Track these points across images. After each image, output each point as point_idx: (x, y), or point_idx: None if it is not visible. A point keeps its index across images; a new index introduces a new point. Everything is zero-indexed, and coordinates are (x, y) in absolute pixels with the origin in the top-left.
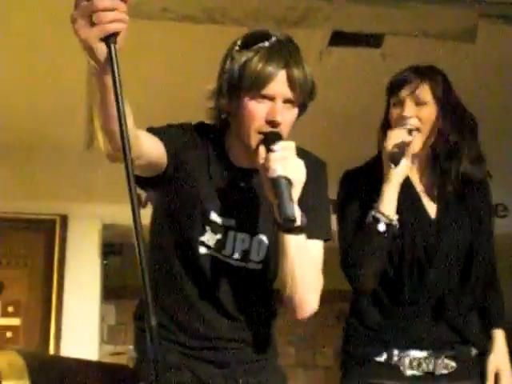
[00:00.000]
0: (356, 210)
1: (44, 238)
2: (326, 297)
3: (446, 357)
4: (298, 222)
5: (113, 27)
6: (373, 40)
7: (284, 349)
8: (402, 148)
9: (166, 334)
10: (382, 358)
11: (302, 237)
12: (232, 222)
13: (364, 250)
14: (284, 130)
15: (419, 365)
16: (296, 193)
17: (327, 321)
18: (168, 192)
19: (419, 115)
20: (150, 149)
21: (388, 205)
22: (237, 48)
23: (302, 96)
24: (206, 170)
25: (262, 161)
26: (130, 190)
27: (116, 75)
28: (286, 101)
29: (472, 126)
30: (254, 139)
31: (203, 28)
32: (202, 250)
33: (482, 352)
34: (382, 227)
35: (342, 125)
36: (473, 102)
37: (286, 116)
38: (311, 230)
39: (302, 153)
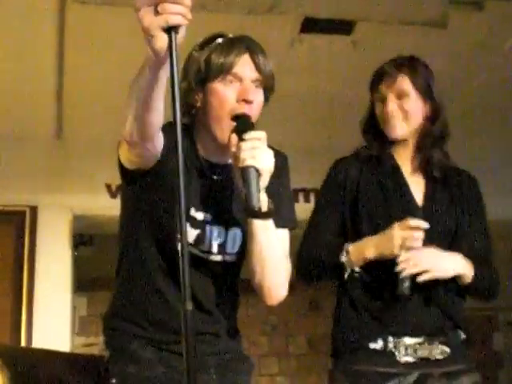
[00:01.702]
0: (334, 213)
1: (14, 230)
2: (299, 286)
3: (440, 343)
4: (264, 209)
5: (176, 19)
6: (344, 27)
7: (257, 338)
8: (409, 282)
9: (139, 332)
10: (378, 345)
11: (269, 222)
12: (208, 216)
13: (324, 274)
14: (255, 110)
15: (415, 351)
16: (264, 182)
17: (300, 309)
18: (150, 188)
19: (403, 107)
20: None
21: (360, 259)
22: (196, 49)
23: (267, 79)
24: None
25: (233, 149)
26: (180, 201)
27: (174, 65)
28: (254, 81)
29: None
30: (227, 123)
31: None
32: (180, 246)
33: (468, 337)
34: (345, 276)
35: (311, 111)
36: (444, 88)
37: (256, 96)
38: (277, 220)
39: None
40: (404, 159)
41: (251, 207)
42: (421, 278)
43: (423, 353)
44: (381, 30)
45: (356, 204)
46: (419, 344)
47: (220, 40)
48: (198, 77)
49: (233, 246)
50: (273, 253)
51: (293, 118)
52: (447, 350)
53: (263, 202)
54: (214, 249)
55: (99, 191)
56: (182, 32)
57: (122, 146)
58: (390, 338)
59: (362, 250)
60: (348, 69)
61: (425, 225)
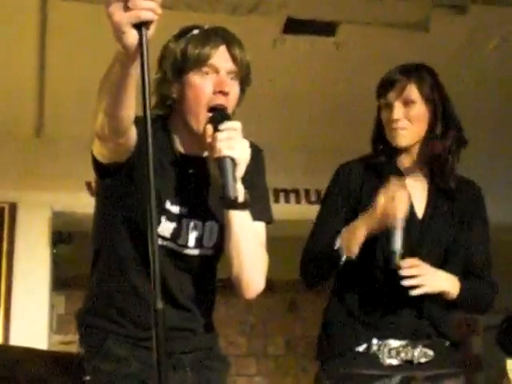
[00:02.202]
0: (337, 217)
1: None
2: (278, 286)
3: (423, 346)
4: (241, 199)
5: (147, 15)
6: (327, 28)
7: (235, 338)
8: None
9: (115, 328)
10: (362, 347)
11: (246, 213)
12: (184, 209)
13: (321, 268)
14: (231, 101)
15: (398, 353)
16: (240, 172)
17: (278, 310)
18: (124, 182)
19: (408, 115)
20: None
21: (353, 244)
22: (172, 40)
23: (243, 70)
24: (158, 160)
25: (209, 139)
26: (150, 194)
27: (145, 62)
28: (230, 73)
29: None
30: (203, 115)
31: None
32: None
33: (454, 343)
34: (341, 262)
35: (292, 111)
36: None
37: (232, 88)
38: (253, 213)
39: None
40: (409, 167)
41: (228, 197)
42: (414, 292)
43: (406, 355)
44: (363, 32)
45: (357, 210)
46: (402, 347)
47: (196, 31)
48: (174, 68)
49: (210, 240)
50: (249, 245)
51: (273, 118)
52: (431, 353)
53: (240, 192)
54: (191, 242)
55: (79, 189)
56: (151, 28)
57: (94, 141)
58: (374, 341)
59: (352, 230)
60: (330, 70)
61: (406, 194)
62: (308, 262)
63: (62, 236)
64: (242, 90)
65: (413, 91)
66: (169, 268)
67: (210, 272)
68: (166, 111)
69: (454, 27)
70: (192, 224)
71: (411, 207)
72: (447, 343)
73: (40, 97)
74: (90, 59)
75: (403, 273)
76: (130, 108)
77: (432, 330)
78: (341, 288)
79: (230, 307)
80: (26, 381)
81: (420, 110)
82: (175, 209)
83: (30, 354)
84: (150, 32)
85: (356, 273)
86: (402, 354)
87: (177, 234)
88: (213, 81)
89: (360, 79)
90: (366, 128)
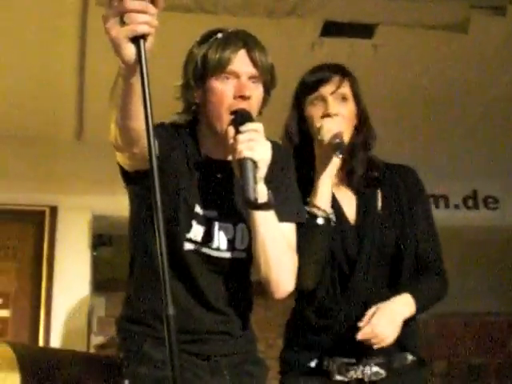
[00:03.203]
0: None
1: (34, 230)
2: None
3: (376, 364)
4: (263, 199)
5: (142, 29)
6: (365, 30)
7: (274, 341)
8: (341, 137)
9: (152, 333)
10: (313, 363)
11: (269, 214)
12: (214, 213)
13: (302, 247)
14: (253, 105)
15: (347, 371)
16: (261, 173)
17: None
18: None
19: (341, 112)
20: None
21: (324, 198)
22: (195, 45)
23: (265, 74)
24: (186, 165)
25: (231, 141)
26: (156, 201)
27: (144, 75)
28: (251, 77)
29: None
30: (226, 119)
31: (193, 17)
32: (188, 246)
33: (419, 359)
34: (320, 221)
35: None
36: (465, 93)
37: (254, 91)
38: (282, 214)
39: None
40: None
41: (248, 198)
42: (375, 347)
43: (356, 373)
44: (402, 34)
45: None
46: (352, 364)
47: (219, 35)
48: (196, 74)
49: (241, 242)
50: (276, 245)
51: None
52: (382, 372)
53: (261, 193)
54: (223, 245)
55: (119, 192)
56: (150, 39)
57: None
58: (326, 357)
59: (314, 190)
60: (369, 72)
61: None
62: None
63: (102, 239)
64: (267, 92)
65: (347, 88)
66: (202, 272)
67: (243, 275)
68: (192, 116)
69: (493, 28)
70: (223, 227)
71: (343, 215)
72: (409, 358)
73: (80, 100)
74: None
75: (358, 337)
76: (139, 118)
77: (391, 345)
78: (299, 303)
79: (268, 310)
80: (67, 383)
81: (352, 107)
82: (205, 212)
83: (70, 357)
84: (149, 44)
85: (303, 293)
86: (352, 372)
87: (208, 238)
88: (234, 85)
89: (399, 81)
90: (403, 130)
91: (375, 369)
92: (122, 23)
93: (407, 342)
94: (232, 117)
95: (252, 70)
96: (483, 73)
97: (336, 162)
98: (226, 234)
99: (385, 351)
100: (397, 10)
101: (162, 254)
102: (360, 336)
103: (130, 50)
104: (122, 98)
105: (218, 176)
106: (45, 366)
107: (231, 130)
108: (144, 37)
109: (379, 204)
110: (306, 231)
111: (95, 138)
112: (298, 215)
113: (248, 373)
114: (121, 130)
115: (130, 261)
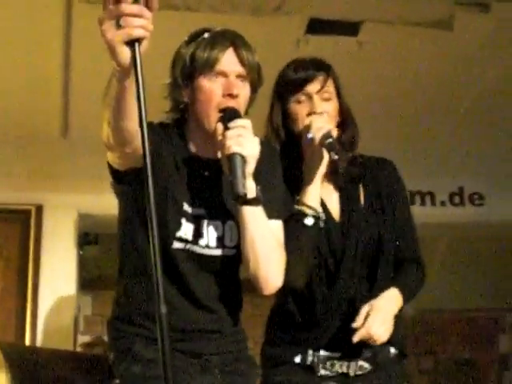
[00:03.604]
0: None
1: (19, 229)
2: None
3: (361, 359)
4: (252, 195)
5: (138, 33)
6: (350, 28)
7: (262, 339)
8: (331, 136)
9: (142, 332)
10: (298, 358)
11: (258, 209)
12: (202, 211)
13: (291, 245)
14: (241, 103)
15: (332, 366)
16: (250, 168)
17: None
18: (140, 186)
19: (326, 110)
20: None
21: (313, 197)
22: (183, 45)
23: (252, 73)
24: (174, 164)
25: (219, 137)
26: (149, 202)
27: (139, 78)
28: (238, 76)
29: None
30: (214, 117)
31: (178, 15)
32: (177, 244)
33: (401, 352)
34: (309, 221)
35: None
36: (450, 90)
37: (242, 90)
38: (270, 210)
39: None
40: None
41: (237, 193)
42: (375, 343)
43: (341, 368)
44: (387, 31)
45: None
46: (337, 359)
47: (206, 35)
48: (184, 73)
49: (231, 240)
50: (264, 241)
51: None
52: (367, 366)
53: (250, 188)
54: (213, 242)
55: (105, 190)
56: (144, 43)
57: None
58: (310, 352)
59: (304, 189)
60: (354, 70)
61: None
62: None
63: (88, 237)
64: (254, 91)
65: (331, 87)
66: (192, 270)
67: (233, 273)
68: (180, 115)
69: (478, 25)
70: (211, 224)
71: (327, 212)
72: (392, 351)
73: (65, 98)
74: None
75: (355, 339)
76: (132, 119)
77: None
78: (281, 297)
79: (255, 307)
80: (52, 382)
81: (336, 105)
82: (193, 210)
83: (57, 356)
84: (143, 48)
85: (288, 302)
86: (337, 366)
87: (197, 235)
88: (222, 84)
89: (384, 78)
90: (389, 127)
91: (360, 363)
92: (118, 26)
93: (391, 335)
94: (220, 114)
95: (240, 69)
96: (468, 70)
97: (326, 161)
98: (215, 231)
99: (369, 345)
100: (382, 8)
101: (154, 254)
102: (356, 338)
103: (125, 53)
104: (115, 99)
105: (206, 174)
106: (31, 364)
107: (220, 127)
108: (139, 40)
109: (361, 199)
110: (296, 230)
111: (81, 135)
112: (285, 212)
113: (239, 371)
114: (113, 131)
115: (119, 260)
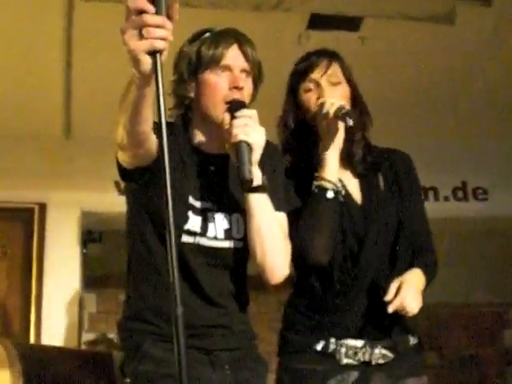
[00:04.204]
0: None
1: (23, 227)
2: None
3: (383, 347)
4: (258, 182)
5: (160, 44)
6: (351, 23)
7: (267, 335)
8: (344, 107)
9: (152, 329)
10: (319, 346)
11: (265, 198)
12: (209, 204)
13: (314, 221)
14: (246, 96)
15: (355, 354)
16: (256, 156)
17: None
18: (150, 184)
19: (335, 96)
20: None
21: (332, 172)
22: (186, 44)
23: (255, 68)
24: (180, 160)
25: (226, 126)
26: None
27: (160, 87)
28: (243, 71)
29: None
30: (221, 108)
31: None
32: (185, 238)
33: (420, 342)
34: (330, 194)
35: None
36: (451, 84)
37: (246, 83)
38: (274, 204)
39: None
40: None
41: (244, 178)
42: (407, 315)
43: (363, 356)
44: (388, 26)
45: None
46: (360, 347)
47: (208, 34)
48: (190, 68)
49: (238, 231)
50: (271, 229)
51: None
52: (390, 354)
53: (256, 175)
54: (220, 234)
55: (108, 188)
56: (164, 53)
57: (118, 149)
58: (332, 340)
59: (322, 164)
60: (356, 65)
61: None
62: (301, 231)
63: (92, 235)
64: (255, 88)
65: (337, 72)
66: (201, 265)
67: (241, 268)
68: (185, 110)
69: (479, 19)
70: (219, 217)
71: (349, 196)
72: (412, 341)
73: (67, 97)
74: (116, 59)
75: (390, 310)
76: (147, 124)
77: (394, 326)
78: (299, 284)
79: (260, 304)
80: (57, 380)
81: (346, 90)
82: (198, 203)
83: (61, 354)
84: (163, 57)
85: (314, 270)
86: (360, 355)
87: (205, 227)
88: (227, 78)
89: (386, 73)
90: (390, 122)
91: (383, 351)
92: (140, 36)
93: (409, 323)
94: (227, 106)
95: (244, 64)
96: (470, 64)
97: (341, 135)
98: (223, 223)
99: (390, 333)
100: (383, 3)
101: (171, 256)
102: (391, 309)
103: (146, 63)
104: (133, 104)
105: (212, 169)
106: (35, 362)
107: (227, 117)
108: (160, 50)
109: (381, 185)
110: (317, 204)
111: (83, 134)
112: (289, 206)
113: (249, 368)
114: (129, 134)
115: (127, 258)
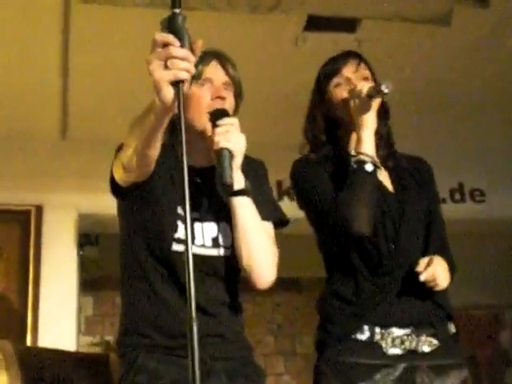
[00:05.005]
0: (322, 180)
1: (19, 229)
2: (305, 284)
3: (427, 335)
4: (240, 186)
5: (183, 75)
6: (348, 25)
7: (263, 337)
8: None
9: (147, 342)
10: (364, 336)
11: (248, 201)
12: (196, 214)
13: (354, 192)
14: (228, 107)
15: (402, 342)
16: (237, 162)
17: (306, 309)
18: (139, 198)
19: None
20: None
21: (369, 146)
22: None
23: (235, 84)
24: (169, 174)
25: (209, 134)
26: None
27: (182, 114)
28: (224, 83)
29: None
30: (205, 118)
31: None
32: (175, 247)
33: (457, 331)
34: (369, 167)
35: None
36: (448, 85)
37: (228, 95)
38: (259, 213)
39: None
40: None
41: (225, 182)
42: (436, 288)
43: (410, 345)
44: (385, 28)
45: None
46: (406, 335)
47: None
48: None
49: (225, 239)
50: (256, 232)
51: (297, 116)
52: (435, 342)
53: (238, 179)
54: (208, 242)
55: (104, 191)
56: (186, 84)
57: (116, 168)
58: (377, 329)
59: (358, 140)
60: None
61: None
62: (342, 205)
63: (88, 238)
64: (237, 105)
65: (365, 68)
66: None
67: (232, 276)
68: (171, 129)
69: (476, 21)
70: (206, 226)
71: (381, 183)
72: (452, 330)
73: (64, 99)
74: (113, 61)
75: (422, 278)
76: (156, 148)
77: (436, 312)
78: (336, 276)
79: (256, 306)
80: (54, 382)
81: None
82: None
83: (58, 356)
84: (185, 88)
85: (352, 260)
86: (406, 343)
87: (193, 236)
88: (209, 89)
89: (383, 75)
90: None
91: (429, 339)
92: (165, 67)
93: (450, 309)
94: (210, 116)
95: (224, 77)
96: (467, 65)
97: (374, 114)
98: (210, 232)
99: (432, 321)
100: (379, 4)
101: (189, 274)
102: (423, 277)
103: (169, 92)
104: (149, 129)
105: (198, 181)
106: (33, 365)
107: (209, 126)
108: (183, 81)
109: (410, 180)
110: (358, 177)
111: (80, 136)
112: (274, 215)
113: (245, 376)
114: (140, 156)
115: (120, 271)
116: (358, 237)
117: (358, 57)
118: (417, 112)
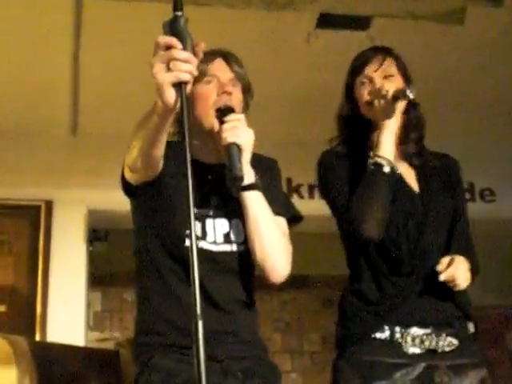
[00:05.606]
0: (345, 176)
1: (29, 224)
2: (313, 283)
3: (447, 334)
4: (251, 180)
5: (185, 77)
6: (360, 22)
7: (270, 335)
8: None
9: (162, 340)
10: (384, 335)
11: (260, 195)
12: (208, 211)
13: (367, 195)
14: (235, 102)
15: (422, 342)
16: (246, 157)
17: (313, 307)
18: (151, 196)
19: (387, 88)
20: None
21: (387, 150)
22: None
23: (242, 80)
24: (179, 172)
25: (216, 130)
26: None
27: (185, 115)
28: (230, 80)
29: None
30: (212, 115)
31: (189, 10)
32: (188, 242)
33: (476, 330)
34: (386, 169)
35: (327, 106)
36: (460, 84)
37: (234, 90)
38: (272, 209)
39: (254, 156)
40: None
41: (235, 176)
42: (456, 288)
43: (430, 344)
44: (398, 26)
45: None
46: (426, 335)
47: None
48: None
49: (238, 235)
50: (269, 228)
51: (309, 112)
52: (455, 341)
53: (247, 173)
54: (220, 238)
55: (114, 186)
56: (189, 86)
57: (125, 168)
58: (397, 328)
59: (378, 143)
60: None
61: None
62: (355, 207)
63: (98, 234)
64: (246, 104)
65: (391, 65)
66: (204, 271)
67: (246, 272)
68: (179, 129)
69: (490, 20)
70: (218, 223)
71: (405, 183)
72: (471, 329)
73: (75, 95)
74: (124, 57)
75: (442, 278)
76: (162, 148)
77: (455, 312)
78: (356, 276)
79: (264, 304)
80: (64, 377)
81: (399, 82)
82: (198, 211)
83: (66, 351)
84: (187, 90)
85: (373, 259)
86: (426, 343)
87: (204, 233)
88: (215, 85)
89: None
90: None
91: (448, 338)
92: (168, 69)
93: (469, 309)
94: (217, 113)
95: (230, 74)
96: (480, 64)
97: (398, 119)
98: (222, 228)
99: (452, 320)
100: (392, 2)
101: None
102: (443, 277)
103: (171, 94)
104: (153, 130)
105: (209, 178)
106: (42, 360)
107: (216, 123)
108: (186, 83)
109: (437, 179)
110: (375, 178)
111: (90, 132)
112: (288, 211)
113: (261, 376)
114: (143, 157)
115: (135, 270)
116: (365, 240)
117: (383, 52)
118: (427, 110)
